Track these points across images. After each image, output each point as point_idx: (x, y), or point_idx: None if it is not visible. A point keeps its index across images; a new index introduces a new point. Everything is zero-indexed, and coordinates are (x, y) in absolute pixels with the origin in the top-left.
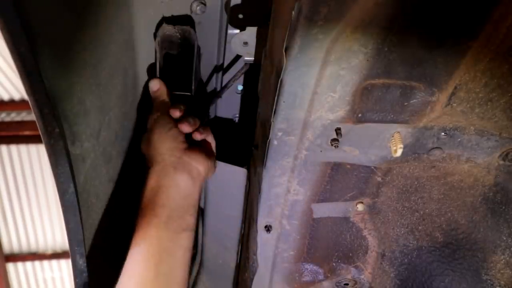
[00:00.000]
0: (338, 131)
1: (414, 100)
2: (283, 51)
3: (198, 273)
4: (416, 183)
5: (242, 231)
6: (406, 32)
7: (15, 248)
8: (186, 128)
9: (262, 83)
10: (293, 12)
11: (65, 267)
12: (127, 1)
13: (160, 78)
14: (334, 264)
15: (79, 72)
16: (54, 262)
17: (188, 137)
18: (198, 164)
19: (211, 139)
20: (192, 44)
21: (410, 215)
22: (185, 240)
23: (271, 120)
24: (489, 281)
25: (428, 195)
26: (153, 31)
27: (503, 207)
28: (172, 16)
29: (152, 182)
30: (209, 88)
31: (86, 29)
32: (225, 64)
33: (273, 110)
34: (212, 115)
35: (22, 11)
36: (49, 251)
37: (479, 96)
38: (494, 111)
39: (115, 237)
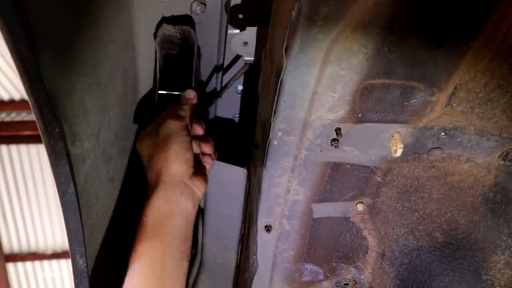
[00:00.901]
0: (338, 131)
1: (414, 100)
2: (283, 51)
3: (198, 273)
4: (416, 183)
5: (242, 231)
6: (406, 32)
7: (15, 248)
8: (207, 149)
9: (262, 83)
10: (293, 12)
11: (65, 267)
12: (127, 1)
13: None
14: (334, 264)
15: (79, 72)
16: (54, 262)
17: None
18: (199, 190)
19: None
20: (192, 44)
21: (410, 215)
22: (185, 268)
23: (271, 120)
24: (489, 281)
25: (428, 195)
26: (153, 31)
27: (503, 207)
28: (172, 16)
29: (158, 204)
30: (209, 88)
31: (86, 29)
32: (225, 64)
33: (273, 110)
34: (212, 115)
35: (22, 11)
36: (49, 251)
37: (479, 96)
38: (494, 111)
39: (115, 237)
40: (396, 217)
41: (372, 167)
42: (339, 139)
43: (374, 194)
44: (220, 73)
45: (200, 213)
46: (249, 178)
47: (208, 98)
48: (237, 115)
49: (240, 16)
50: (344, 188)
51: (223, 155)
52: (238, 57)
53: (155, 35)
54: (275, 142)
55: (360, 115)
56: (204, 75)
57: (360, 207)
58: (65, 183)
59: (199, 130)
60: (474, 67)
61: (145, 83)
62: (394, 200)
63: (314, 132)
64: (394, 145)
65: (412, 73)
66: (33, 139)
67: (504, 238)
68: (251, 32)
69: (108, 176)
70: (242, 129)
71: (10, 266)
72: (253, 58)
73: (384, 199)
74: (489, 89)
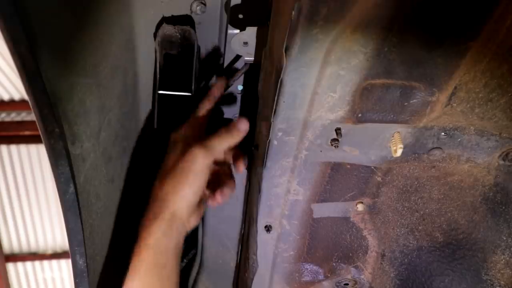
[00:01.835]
0: (338, 131)
1: (414, 100)
2: (283, 51)
3: (198, 273)
4: (416, 183)
5: (242, 231)
6: (406, 32)
7: (15, 248)
8: (224, 194)
9: (262, 83)
10: (293, 12)
11: (65, 267)
12: (127, 1)
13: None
14: (334, 264)
15: (79, 72)
16: (54, 262)
17: None
18: (193, 225)
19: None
20: (192, 44)
21: (410, 215)
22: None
23: (271, 120)
24: (489, 281)
25: (428, 195)
26: (153, 31)
27: (503, 207)
28: (172, 16)
29: (157, 235)
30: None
31: (86, 29)
32: (225, 64)
33: (273, 110)
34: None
35: (22, 11)
36: (49, 251)
37: (479, 96)
38: (494, 111)
39: (115, 237)
40: (396, 217)
41: (372, 167)
42: (339, 139)
43: (374, 194)
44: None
45: None
46: (249, 178)
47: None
48: (237, 115)
49: (240, 16)
50: (344, 188)
51: None
52: (238, 57)
53: (155, 35)
54: (275, 142)
55: (360, 115)
56: (204, 75)
57: (360, 207)
58: (65, 183)
59: (241, 168)
60: (474, 67)
61: (145, 83)
62: (394, 200)
63: (314, 132)
64: (394, 145)
65: (412, 73)
66: (33, 139)
67: (504, 238)
68: (251, 32)
69: (108, 176)
70: None
71: (10, 266)
72: (253, 58)
73: (384, 199)
74: (489, 89)
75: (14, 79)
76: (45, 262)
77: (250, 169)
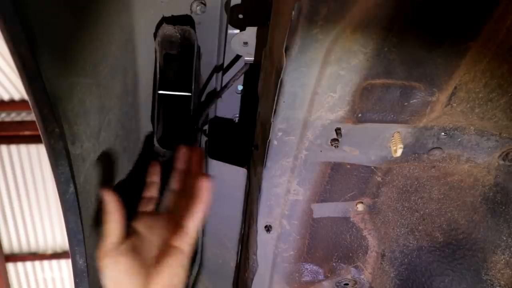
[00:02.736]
0: (338, 131)
1: (414, 100)
2: (283, 51)
3: (198, 273)
4: (416, 183)
5: (242, 231)
6: (406, 32)
7: (15, 248)
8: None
9: (262, 83)
10: (293, 12)
11: (65, 267)
12: (127, 1)
13: None
14: (334, 264)
15: (79, 72)
16: (54, 262)
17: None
18: None
19: None
20: (192, 44)
21: (410, 215)
22: None
23: (271, 120)
24: (489, 281)
25: (428, 195)
26: (153, 31)
27: (503, 207)
28: (172, 16)
29: None
30: (209, 88)
31: (86, 29)
32: (225, 64)
33: (273, 110)
34: (212, 115)
35: (22, 11)
36: (49, 251)
37: (479, 96)
38: (494, 111)
39: None
40: (396, 217)
41: (372, 167)
42: (339, 139)
43: (374, 194)
44: (220, 73)
45: None
46: (249, 178)
47: (208, 98)
48: (237, 115)
49: (240, 16)
50: (344, 188)
51: (223, 155)
52: (238, 57)
53: (155, 35)
54: (275, 142)
55: (360, 115)
56: (204, 75)
57: (360, 207)
58: (65, 183)
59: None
60: (474, 67)
61: (145, 83)
62: (394, 200)
63: (314, 132)
64: (394, 145)
65: (412, 73)
66: (33, 139)
67: (504, 238)
68: (251, 32)
69: (108, 176)
70: (242, 129)
71: (10, 266)
72: (253, 58)
73: (384, 199)
74: (489, 89)
75: (14, 79)
76: (45, 262)
77: (250, 169)
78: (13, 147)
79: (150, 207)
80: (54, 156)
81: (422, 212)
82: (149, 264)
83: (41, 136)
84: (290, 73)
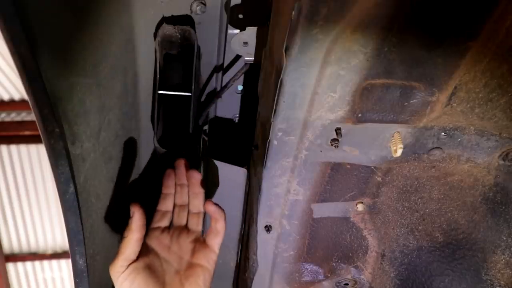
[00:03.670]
0: (338, 131)
1: (414, 100)
2: (283, 51)
3: None
4: (416, 183)
5: (242, 231)
6: (406, 32)
7: (15, 248)
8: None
9: (262, 83)
10: (293, 12)
11: (65, 267)
12: (127, 1)
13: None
14: (334, 264)
15: (79, 72)
16: (54, 262)
17: None
18: None
19: None
20: (192, 44)
21: (410, 215)
22: None
23: (271, 120)
24: (489, 281)
25: (428, 195)
26: (153, 31)
27: (503, 207)
28: (172, 16)
29: None
30: (209, 88)
31: (86, 29)
32: (225, 64)
33: (273, 110)
34: (212, 115)
35: (22, 11)
36: (49, 251)
37: (479, 96)
38: (494, 111)
39: (115, 236)
40: (396, 217)
41: (372, 167)
42: (339, 139)
43: (374, 194)
44: (220, 73)
45: None
46: (249, 178)
47: (208, 98)
48: (237, 115)
49: (240, 16)
50: (344, 188)
51: (223, 155)
52: (238, 57)
53: (155, 35)
54: (275, 142)
55: (360, 115)
56: (204, 75)
57: (360, 207)
58: (65, 183)
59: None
60: (474, 67)
61: (145, 83)
62: (394, 200)
63: (314, 132)
64: (394, 145)
65: (412, 73)
66: (33, 139)
67: (504, 238)
68: (251, 32)
69: (108, 176)
70: (242, 129)
71: (10, 266)
72: (253, 58)
73: (384, 199)
74: (489, 89)
75: (14, 79)
76: (45, 262)
77: (250, 169)
78: (13, 147)
79: (165, 222)
80: (54, 156)
81: (422, 212)
82: (168, 282)
83: (41, 136)
84: (290, 73)
